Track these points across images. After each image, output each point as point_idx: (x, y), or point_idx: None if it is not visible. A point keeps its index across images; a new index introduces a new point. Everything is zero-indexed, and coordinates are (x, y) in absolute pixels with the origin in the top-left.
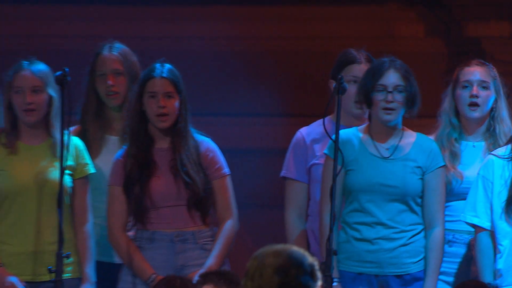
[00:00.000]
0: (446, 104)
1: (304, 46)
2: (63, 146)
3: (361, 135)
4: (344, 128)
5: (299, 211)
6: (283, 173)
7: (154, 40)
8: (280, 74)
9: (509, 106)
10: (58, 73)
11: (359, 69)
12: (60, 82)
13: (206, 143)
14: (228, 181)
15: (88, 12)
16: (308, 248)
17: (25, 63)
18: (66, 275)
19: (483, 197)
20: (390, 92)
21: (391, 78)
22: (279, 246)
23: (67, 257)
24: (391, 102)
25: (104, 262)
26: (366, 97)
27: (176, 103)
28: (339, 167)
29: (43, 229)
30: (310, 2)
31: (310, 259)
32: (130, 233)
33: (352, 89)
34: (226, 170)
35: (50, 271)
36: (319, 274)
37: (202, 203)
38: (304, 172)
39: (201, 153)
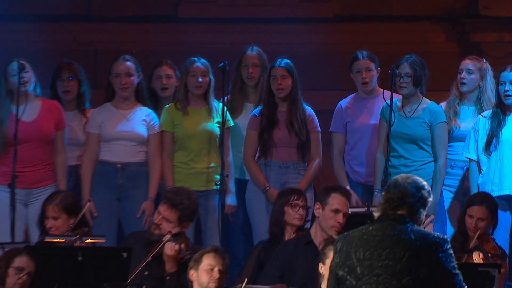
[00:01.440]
0: (454, 83)
1: (368, 49)
2: (223, 109)
3: (398, 103)
4: (358, 98)
5: (340, 150)
6: (330, 129)
7: (276, 45)
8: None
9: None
10: (220, 64)
11: (360, 63)
12: (222, 70)
13: (309, 110)
14: (319, 135)
15: (235, 28)
16: (346, 173)
17: (196, 58)
18: (215, 187)
19: (473, 141)
20: (402, 77)
21: (403, 68)
22: (407, 174)
23: (227, 176)
24: (402, 83)
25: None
26: (394, 81)
27: (289, 82)
28: (385, 125)
29: (205, 158)
30: (373, 20)
31: (426, 183)
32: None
33: (358, 77)
34: (318, 128)
35: (216, 184)
36: (431, 194)
37: (303, 147)
38: (343, 126)
39: (306, 116)
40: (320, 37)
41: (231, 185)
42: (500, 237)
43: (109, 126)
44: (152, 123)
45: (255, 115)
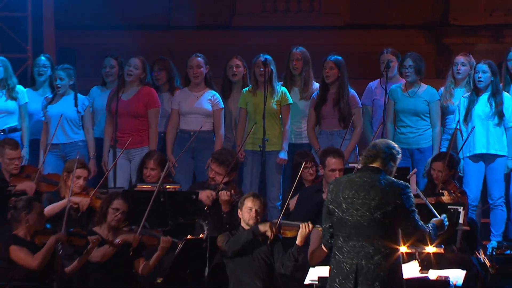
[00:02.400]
0: (449, 73)
1: (370, 49)
2: (265, 91)
3: (402, 86)
4: (383, 82)
5: (368, 119)
6: (361, 102)
7: (302, 46)
8: (360, 62)
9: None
10: (262, 59)
11: (385, 56)
12: (264, 64)
13: (352, 92)
14: (360, 110)
15: (274, 33)
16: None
17: (261, 55)
18: (275, 149)
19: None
20: (407, 68)
21: (408, 62)
22: (383, 139)
23: (267, 140)
24: (407, 72)
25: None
26: (401, 70)
27: (335, 71)
28: (392, 102)
29: (268, 127)
30: (373, 27)
31: (397, 146)
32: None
33: (383, 67)
34: (359, 105)
35: (259, 146)
36: (400, 153)
37: (344, 119)
38: (370, 101)
39: (349, 97)
40: (333, 40)
41: (285, 145)
42: (473, 185)
43: (185, 104)
44: (216, 102)
45: (313, 97)
